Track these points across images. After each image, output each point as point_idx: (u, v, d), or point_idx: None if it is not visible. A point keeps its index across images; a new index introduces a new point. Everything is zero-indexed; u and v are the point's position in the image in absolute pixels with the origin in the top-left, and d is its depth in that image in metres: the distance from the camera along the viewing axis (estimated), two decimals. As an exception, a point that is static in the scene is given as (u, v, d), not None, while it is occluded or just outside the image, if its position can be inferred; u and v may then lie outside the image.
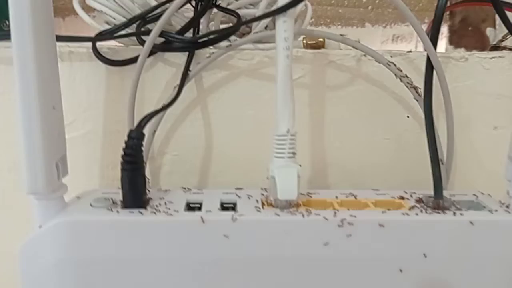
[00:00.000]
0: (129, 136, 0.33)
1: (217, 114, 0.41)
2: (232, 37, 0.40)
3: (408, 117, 0.42)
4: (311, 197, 0.36)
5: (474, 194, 0.37)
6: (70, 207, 0.34)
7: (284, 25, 0.33)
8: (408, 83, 0.39)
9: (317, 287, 0.33)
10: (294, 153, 0.34)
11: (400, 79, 0.39)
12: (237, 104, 0.41)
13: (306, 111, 0.42)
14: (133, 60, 0.39)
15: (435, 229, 0.33)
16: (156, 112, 0.35)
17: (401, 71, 0.39)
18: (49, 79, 0.32)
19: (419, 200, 0.36)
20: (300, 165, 0.34)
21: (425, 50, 0.37)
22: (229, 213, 0.33)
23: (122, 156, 0.33)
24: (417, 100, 0.40)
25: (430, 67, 0.37)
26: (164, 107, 0.36)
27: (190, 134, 0.41)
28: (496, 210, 0.35)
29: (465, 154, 0.43)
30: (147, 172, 0.41)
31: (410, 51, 0.42)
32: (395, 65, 0.39)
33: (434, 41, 0.37)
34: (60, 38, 0.38)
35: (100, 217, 0.32)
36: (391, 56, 0.41)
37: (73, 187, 0.40)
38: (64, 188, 0.34)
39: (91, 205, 0.34)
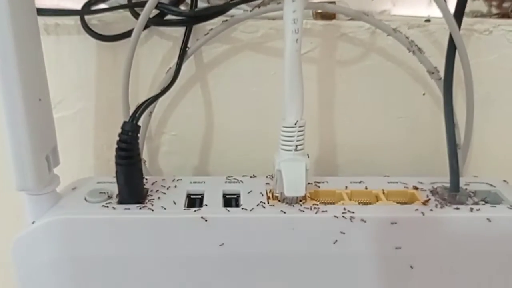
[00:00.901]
0: (123, 129, 0.30)
1: (218, 91, 0.38)
2: (233, 10, 0.36)
3: (424, 94, 0.39)
4: (319, 187, 0.34)
5: (490, 184, 0.35)
6: (63, 202, 0.32)
7: (293, 5, 0.29)
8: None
9: (325, 284, 0.32)
10: (302, 146, 0.31)
11: (416, 55, 0.36)
12: (239, 80, 0.38)
13: (315, 88, 0.39)
14: (126, 35, 0.35)
15: (450, 227, 0.32)
16: (151, 100, 0.32)
17: (418, 48, 0.36)
18: (33, 69, 0.29)
19: (434, 192, 0.34)
20: (308, 156, 0.32)
21: (448, 29, 0.33)
22: (231, 210, 0.31)
23: (117, 150, 0.30)
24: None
25: (452, 47, 0.33)
26: (160, 93, 0.33)
27: (189, 113, 0.39)
28: (514, 203, 0.33)
29: (484, 134, 0.40)
30: (144, 153, 0.39)
31: (429, 20, 0.38)
32: (415, 45, 0.36)
33: (459, 18, 0.33)
34: (42, 12, 0.34)
35: (95, 216, 0.30)
36: (408, 28, 0.37)
37: (67, 169, 0.38)
38: (56, 181, 0.32)
39: (85, 199, 0.32)
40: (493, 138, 0.40)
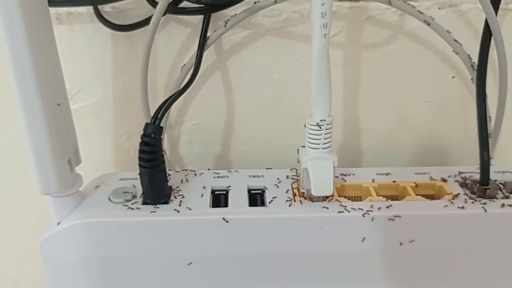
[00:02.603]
0: (145, 132, 0.29)
1: (239, 79, 0.37)
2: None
3: (453, 77, 0.37)
4: (345, 181, 0.33)
5: (519, 173, 0.34)
6: (87, 202, 0.31)
7: (321, -2, 0.28)
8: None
9: (353, 282, 0.32)
10: (330, 143, 0.30)
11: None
12: (261, 67, 0.36)
13: (340, 73, 0.37)
14: (141, 24, 0.34)
15: (481, 223, 0.31)
16: (173, 99, 0.30)
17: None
18: (50, 74, 0.27)
19: (463, 184, 0.33)
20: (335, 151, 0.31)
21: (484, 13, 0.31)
22: (257, 210, 0.31)
23: (139, 152, 0.30)
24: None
25: (488, 34, 0.31)
26: (181, 91, 0.32)
27: (209, 101, 0.37)
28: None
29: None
30: (165, 143, 0.38)
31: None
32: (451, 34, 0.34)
33: (496, 3, 0.31)
34: (54, 3, 0.32)
35: (120, 219, 0.30)
36: (439, 8, 0.35)
37: (88, 160, 0.37)
38: (79, 181, 0.31)
39: (109, 199, 0.31)
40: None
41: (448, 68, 0.37)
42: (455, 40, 0.34)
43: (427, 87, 0.38)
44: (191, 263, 0.31)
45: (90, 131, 0.38)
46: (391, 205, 0.31)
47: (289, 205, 0.31)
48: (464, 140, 0.39)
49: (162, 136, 0.30)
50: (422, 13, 0.33)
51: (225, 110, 0.38)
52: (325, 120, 0.29)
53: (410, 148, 0.40)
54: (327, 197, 0.32)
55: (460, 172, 0.34)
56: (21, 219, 0.41)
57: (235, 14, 0.33)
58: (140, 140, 0.29)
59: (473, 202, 0.31)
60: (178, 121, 0.38)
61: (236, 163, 0.40)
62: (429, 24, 0.34)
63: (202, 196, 0.32)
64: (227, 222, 0.30)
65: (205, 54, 0.35)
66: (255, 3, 0.33)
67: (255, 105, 0.38)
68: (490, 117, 0.36)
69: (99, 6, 0.34)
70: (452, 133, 0.39)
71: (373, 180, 0.33)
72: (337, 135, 0.39)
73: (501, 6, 0.35)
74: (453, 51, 0.34)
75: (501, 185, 0.33)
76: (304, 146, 0.31)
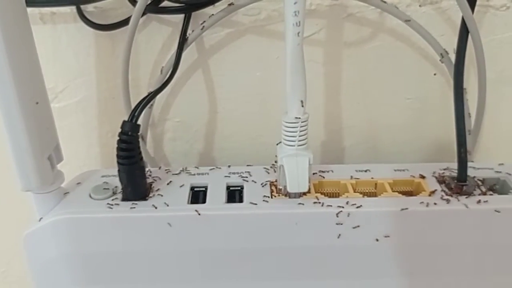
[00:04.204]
0: (122, 129, 0.30)
1: (221, 77, 0.37)
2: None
3: (435, 75, 0.37)
4: (323, 177, 0.34)
5: (497, 171, 0.34)
6: (69, 198, 0.32)
7: (294, -4, 0.28)
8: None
9: (329, 278, 0.32)
10: (305, 140, 0.31)
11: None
12: (243, 65, 0.37)
13: (321, 70, 0.37)
14: (123, 23, 0.34)
15: (455, 219, 0.31)
16: (150, 97, 0.31)
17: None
18: (27, 73, 0.28)
19: (441, 181, 0.33)
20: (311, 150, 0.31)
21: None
22: (234, 206, 0.31)
23: (117, 149, 0.30)
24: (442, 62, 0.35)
25: (464, 31, 0.32)
26: (159, 89, 0.32)
27: (192, 99, 0.38)
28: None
29: (497, 113, 0.39)
30: (149, 140, 0.39)
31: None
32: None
33: (472, 1, 0.31)
34: (37, 3, 0.33)
35: (99, 215, 0.31)
36: (419, 6, 0.35)
37: (73, 157, 0.38)
38: (60, 178, 0.32)
39: (90, 196, 0.32)
40: (506, 117, 0.39)
41: (430, 65, 0.37)
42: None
43: (409, 84, 0.38)
44: (170, 258, 0.31)
45: (75, 129, 0.38)
46: (366, 202, 0.31)
47: (266, 202, 0.32)
48: (446, 137, 0.39)
49: (139, 134, 0.30)
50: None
51: (208, 108, 0.38)
52: (299, 117, 0.30)
53: (393, 145, 0.40)
54: (304, 193, 0.32)
55: (440, 169, 0.35)
56: (10, 214, 0.41)
57: (212, 14, 0.33)
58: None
59: (448, 199, 0.32)
60: (162, 119, 0.39)
61: (220, 160, 0.40)
62: (409, 20, 0.34)
63: (181, 192, 0.32)
64: (199, 214, 0.30)
65: (187, 52, 0.36)
66: (230, 4, 0.33)
67: (237, 103, 0.38)
68: (470, 114, 0.36)
69: (82, 6, 0.34)
70: (434, 130, 0.39)
71: (351, 177, 0.34)
72: (319, 132, 0.39)
73: (482, 3, 0.35)
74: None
75: (479, 182, 0.33)
76: (281, 143, 0.32)
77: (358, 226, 0.31)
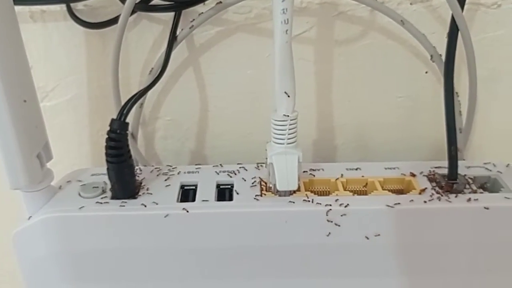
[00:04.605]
0: (111, 127, 0.30)
1: (212, 75, 0.37)
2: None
3: (426, 73, 0.37)
4: (313, 176, 0.34)
5: (490, 169, 0.34)
6: (58, 197, 0.32)
7: (282, -6, 0.28)
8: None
9: (319, 276, 0.32)
10: (294, 138, 0.31)
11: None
12: (234, 63, 0.37)
13: (312, 69, 0.37)
14: (113, 21, 0.34)
15: (445, 217, 0.31)
16: (139, 95, 0.31)
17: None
18: (14, 72, 0.28)
19: (432, 179, 0.33)
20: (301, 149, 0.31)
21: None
22: (223, 204, 0.31)
23: (106, 148, 0.30)
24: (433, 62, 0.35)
25: (454, 29, 0.31)
26: (149, 87, 0.32)
27: (183, 98, 0.38)
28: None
29: (489, 111, 0.38)
30: (140, 139, 0.39)
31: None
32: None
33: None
34: (27, 1, 0.33)
35: (88, 213, 0.31)
36: (410, 3, 0.35)
37: (64, 155, 0.38)
38: (50, 176, 0.32)
39: (79, 194, 0.32)
40: (498, 115, 0.39)
41: (421, 63, 0.37)
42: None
43: (400, 82, 0.38)
44: (159, 256, 0.31)
45: (67, 127, 0.38)
46: (356, 200, 0.31)
47: (256, 200, 0.31)
48: (438, 135, 0.39)
49: (128, 132, 0.30)
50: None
51: (199, 106, 0.38)
52: (288, 115, 0.30)
53: (385, 143, 0.40)
54: (294, 191, 0.32)
55: (431, 167, 0.35)
56: (2, 212, 0.41)
57: (202, 13, 0.33)
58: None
59: (438, 197, 0.31)
60: (153, 117, 0.38)
61: (211, 158, 0.40)
62: (403, 22, 0.34)
63: (170, 191, 0.32)
64: (187, 212, 0.30)
65: (178, 51, 0.36)
66: (218, 3, 0.33)
67: (228, 101, 0.38)
68: (460, 112, 0.36)
69: (72, 4, 0.34)
70: (426, 128, 0.39)
71: (341, 175, 0.34)
72: (310, 130, 0.39)
73: (473, 1, 0.35)
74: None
75: (470, 180, 0.33)
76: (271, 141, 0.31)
77: (348, 224, 0.31)
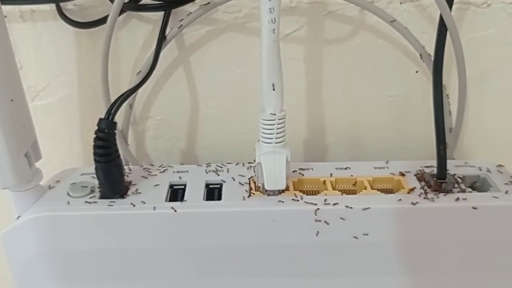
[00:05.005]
0: (99, 127, 0.30)
1: (202, 75, 0.37)
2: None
3: (417, 72, 0.37)
4: (302, 175, 0.34)
5: (480, 168, 0.34)
6: (47, 196, 0.32)
7: (269, -7, 0.28)
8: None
9: (308, 275, 0.32)
10: (282, 138, 0.31)
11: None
12: (224, 62, 0.37)
13: (302, 68, 0.37)
14: (102, 21, 0.34)
15: (433, 217, 0.31)
16: (127, 95, 0.31)
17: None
18: (1, 69, 0.28)
19: (421, 179, 0.33)
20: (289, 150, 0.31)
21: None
22: (211, 204, 0.31)
23: (94, 147, 0.30)
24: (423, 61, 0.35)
25: (443, 28, 0.31)
26: (137, 86, 0.32)
27: (174, 97, 0.38)
28: (502, 189, 0.32)
29: (480, 110, 0.38)
30: (130, 138, 0.39)
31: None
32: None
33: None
34: (16, 1, 0.33)
35: (76, 212, 0.31)
36: (400, 3, 0.35)
37: (55, 154, 0.38)
38: (38, 176, 0.32)
39: (68, 194, 0.32)
40: (489, 114, 0.39)
41: (412, 62, 0.37)
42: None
43: (391, 82, 0.38)
44: (148, 255, 0.31)
45: (58, 127, 0.38)
46: (345, 199, 0.31)
47: (244, 199, 0.31)
48: (429, 134, 0.38)
49: (116, 131, 0.30)
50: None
51: (189, 106, 0.38)
52: (276, 114, 0.30)
53: (374, 143, 0.40)
54: (283, 191, 0.32)
55: (421, 167, 0.35)
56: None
57: (190, 13, 0.33)
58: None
59: (426, 196, 0.31)
60: (143, 117, 0.38)
61: (202, 158, 0.40)
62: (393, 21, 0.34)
63: (159, 190, 0.32)
64: (175, 211, 0.30)
65: (168, 50, 0.36)
66: (206, 4, 0.33)
67: (219, 100, 0.38)
68: (450, 111, 0.36)
69: (61, 4, 0.34)
70: (417, 127, 0.39)
71: (331, 175, 0.34)
72: (301, 130, 0.39)
73: (463, 0, 0.35)
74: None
75: (459, 179, 0.33)
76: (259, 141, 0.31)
77: (337, 224, 0.31)
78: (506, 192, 0.32)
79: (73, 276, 0.32)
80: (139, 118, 0.38)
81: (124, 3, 0.32)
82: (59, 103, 0.38)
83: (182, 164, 0.35)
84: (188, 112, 0.38)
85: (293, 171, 0.34)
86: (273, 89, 0.29)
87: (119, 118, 0.37)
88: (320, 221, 0.31)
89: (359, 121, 0.39)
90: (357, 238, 0.31)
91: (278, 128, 0.30)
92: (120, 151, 0.37)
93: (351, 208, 0.31)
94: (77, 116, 0.38)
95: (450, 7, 0.31)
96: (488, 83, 0.38)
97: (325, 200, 0.31)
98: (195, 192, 0.32)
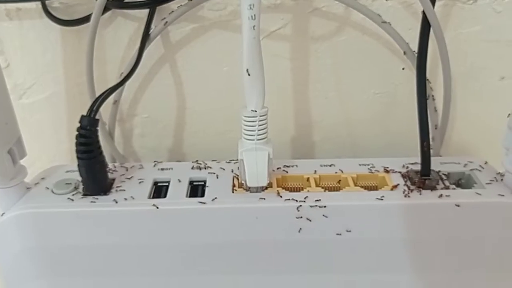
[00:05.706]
0: (81, 124, 0.30)
1: (188, 72, 0.37)
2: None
3: (403, 69, 0.37)
4: (286, 172, 0.34)
5: (465, 164, 0.34)
6: (31, 193, 0.32)
7: (248, -11, 0.28)
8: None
9: (290, 271, 0.32)
10: (265, 134, 0.31)
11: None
12: (210, 60, 0.37)
13: (288, 65, 0.37)
14: (88, 18, 0.34)
15: (416, 213, 0.31)
16: (109, 92, 0.31)
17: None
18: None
19: (405, 175, 0.33)
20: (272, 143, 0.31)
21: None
22: (194, 200, 0.31)
23: (76, 144, 0.30)
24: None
25: (426, 25, 0.31)
26: (119, 83, 0.32)
27: (160, 95, 0.38)
28: (486, 186, 0.32)
29: (467, 107, 0.38)
30: (117, 136, 0.39)
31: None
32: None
33: (432, -5, 0.31)
34: (1, -1, 0.33)
35: (59, 209, 0.31)
36: (386, 0, 0.35)
37: (43, 152, 0.38)
38: (22, 173, 0.32)
39: (52, 191, 0.32)
40: (476, 111, 0.39)
41: (398, 59, 0.37)
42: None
43: (377, 78, 0.38)
44: (130, 252, 0.32)
45: (45, 124, 0.39)
46: (327, 196, 0.31)
47: (227, 196, 0.31)
48: (415, 131, 0.38)
49: (98, 128, 0.30)
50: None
51: (176, 103, 0.38)
52: (257, 111, 0.30)
53: (362, 139, 0.40)
54: (266, 187, 0.32)
55: (406, 163, 0.34)
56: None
57: (172, 11, 0.33)
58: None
59: (409, 193, 0.31)
60: (130, 115, 0.39)
61: (190, 155, 0.40)
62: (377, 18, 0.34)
63: (143, 187, 0.32)
64: (157, 208, 0.30)
65: (153, 48, 0.36)
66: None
67: (206, 98, 0.38)
68: (435, 108, 0.36)
69: (47, 2, 0.35)
70: (403, 124, 0.39)
71: (315, 172, 0.34)
72: (288, 127, 0.39)
73: (449, -4, 0.35)
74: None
75: (443, 176, 0.33)
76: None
77: (319, 220, 0.31)
78: (489, 189, 0.32)
79: (58, 271, 0.33)
80: (126, 115, 0.39)
81: (109, 1, 0.33)
82: (46, 100, 0.38)
83: (164, 162, 0.35)
84: (175, 109, 0.38)
85: (278, 168, 0.34)
86: (254, 86, 0.29)
87: (105, 115, 0.37)
88: (302, 217, 0.31)
89: (345, 118, 0.39)
90: (340, 234, 0.31)
91: (260, 125, 0.30)
92: (107, 149, 0.37)
93: (334, 205, 0.31)
94: (65, 114, 0.38)
95: (433, 3, 0.31)
96: (475, 80, 0.37)
97: (307, 197, 0.31)
98: (178, 189, 0.32)
